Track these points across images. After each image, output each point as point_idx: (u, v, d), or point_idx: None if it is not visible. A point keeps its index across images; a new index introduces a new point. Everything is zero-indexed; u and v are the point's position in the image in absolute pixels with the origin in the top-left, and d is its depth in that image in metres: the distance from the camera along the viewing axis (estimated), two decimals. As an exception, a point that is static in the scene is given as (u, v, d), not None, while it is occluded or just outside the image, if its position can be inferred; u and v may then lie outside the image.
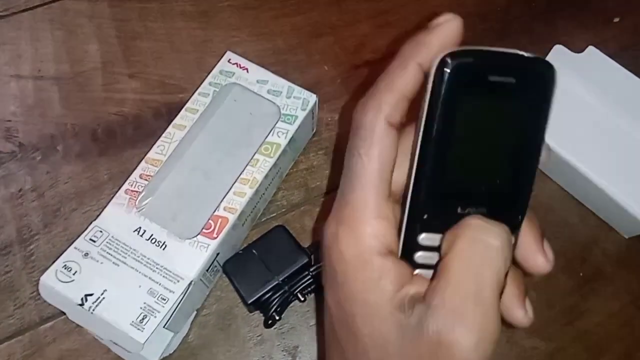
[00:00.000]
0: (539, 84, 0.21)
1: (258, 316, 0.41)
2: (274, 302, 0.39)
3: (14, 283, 0.41)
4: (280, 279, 0.38)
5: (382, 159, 0.22)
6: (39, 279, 0.36)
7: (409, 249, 0.22)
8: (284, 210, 0.44)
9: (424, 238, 0.21)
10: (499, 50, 0.20)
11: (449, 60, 0.20)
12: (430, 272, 0.22)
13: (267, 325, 0.40)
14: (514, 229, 0.22)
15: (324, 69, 0.50)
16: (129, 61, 0.49)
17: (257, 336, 0.40)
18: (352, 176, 0.23)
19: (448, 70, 0.20)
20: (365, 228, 0.22)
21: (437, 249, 0.21)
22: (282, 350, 0.40)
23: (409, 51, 0.23)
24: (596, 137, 0.44)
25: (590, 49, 0.46)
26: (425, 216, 0.21)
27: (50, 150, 0.46)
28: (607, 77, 0.45)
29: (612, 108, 0.45)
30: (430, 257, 0.22)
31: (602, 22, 0.53)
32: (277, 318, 0.39)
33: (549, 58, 0.48)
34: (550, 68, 0.21)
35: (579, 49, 0.47)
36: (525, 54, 0.20)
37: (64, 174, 0.45)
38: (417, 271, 0.23)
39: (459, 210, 0.21)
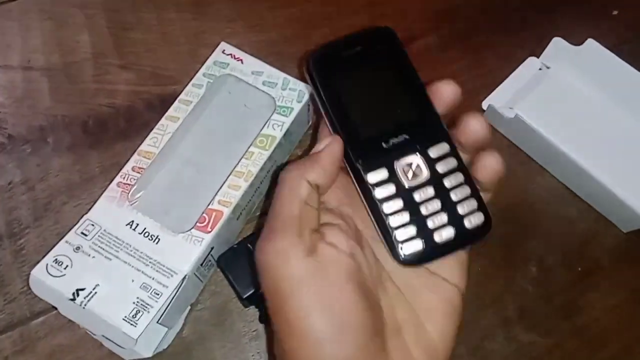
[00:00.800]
0: (382, 41, 0.28)
1: (253, 311, 0.40)
2: (270, 297, 0.38)
3: (4, 278, 0.40)
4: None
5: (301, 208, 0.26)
6: (29, 274, 0.35)
7: (367, 195, 0.26)
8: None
9: (370, 176, 0.26)
10: (344, 36, 0.28)
11: (309, 56, 0.28)
12: (398, 205, 0.27)
13: (262, 321, 0.39)
14: (443, 138, 0.27)
15: (320, 60, 0.49)
16: (120, 52, 0.48)
17: (253, 331, 0.40)
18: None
19: (310, 62, 0.27)
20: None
21: (387, 180, 0.26)
22: (278, 346, 0.40)
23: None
24: (594, 130, 0.43)
25: (590, 41, 0.45)
26: (360, 162, 0.26)
27: (40, 142, 0.45)
28: (606, 70, 0.45)
29: (611, 101, 0.44)
30: (388, 190, 0.26)
31: (601, 14, 0.52)
32: (273, 313, 0.39)
33: (548, 50, 0.48)
34: (386, 29, 0.29)
35: (578, 42, 0.46)
36: (362, 31, 0.28)
37: (55, 166, 0.44)
38: (384, 206, 0.27)
39: (384, 145, 0.26)
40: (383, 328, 0.26)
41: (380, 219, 0.26)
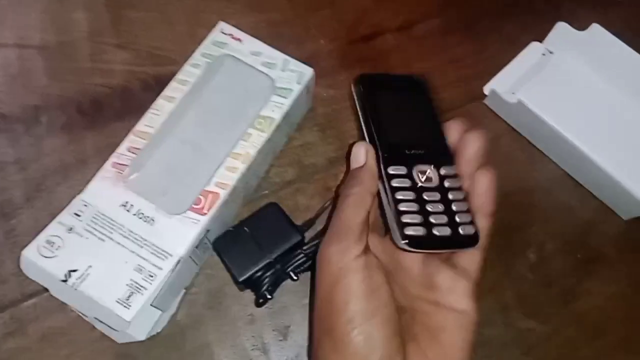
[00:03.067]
0: (417, 85, 0.35)
1: (249, 295, 0.39)
2: (266, 281, 0.38)
3: (-5, 259, 0.40)
4: (273, 257, 0.37)
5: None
6: (20, 255, 0.35)
7: (386, 184, 0.31)
8: (276, 187, 0.43)
9: (391, 169, 0.31)
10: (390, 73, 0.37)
11: (361, 76, 0.34)
12: (409, 195, 0.31)
13: (258, 304, 0.39)
14: (452, 163, 0.32)
15: (321, 43, 0.48)
16: (117, 31, 0.47)
17: (248, 315, 0.39)
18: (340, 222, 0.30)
19: (361, 81, 0.34)
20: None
21: (403, 175, 0.31)
22: (274, 330, 0.39)
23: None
24: (597, 116, 0.43)
25: (594, 26, 0.44)
26: (385, 155, 0.31)
27: (34, 121, 0.44)
28: (611, 55, 0.44)
29: (615, 87, 0.44)
30: (403, 181, 0.31)
31: (607, 0, 0.51)
32: (269, 297, 0.38)
33: (551, 35, 0.47)
34: (423, 78, 0.35)
35: (582, 27, 0.45)
36: (404, 75, 0.36)
37: (48, 146, 0.43)
38: (398, 194, 0.31)
39: (406, 151, 0.32)
40: (403, 332, 0.29)
41: (392, 204, 0.30)
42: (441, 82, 0.47)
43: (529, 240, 0.43)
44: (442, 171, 0.31)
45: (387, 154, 0.31)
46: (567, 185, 0.44)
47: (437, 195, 0.31)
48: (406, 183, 0.31)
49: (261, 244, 0.37)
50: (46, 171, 0.42)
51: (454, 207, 0.31)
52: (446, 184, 0.31)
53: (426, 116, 0.34)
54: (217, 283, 0.40)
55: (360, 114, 0.34)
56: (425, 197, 0.31)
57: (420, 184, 0.31)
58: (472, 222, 0.31)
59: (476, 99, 0.47)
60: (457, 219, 0.30)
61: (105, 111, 0.44)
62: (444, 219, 0.30)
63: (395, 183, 0.31)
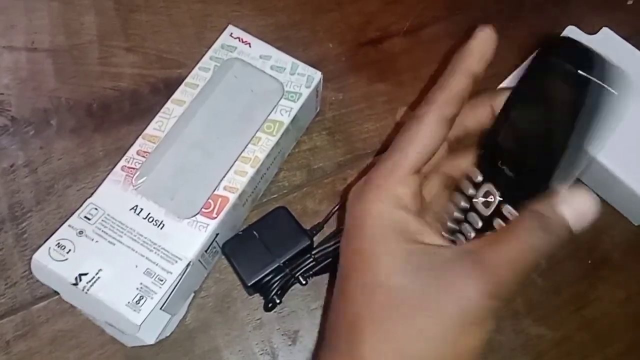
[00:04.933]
0: (608, 89, 0.24)
1: (258, 299, 0.39)
2: (275, 285, 0.38)
3: (5, 261, 0.40)
4: (281, 261, 0.37)
5: (432, 134, 0.25)
6: (31, 258, 0.35)
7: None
8: (285, 191, 0.43)
9: (472, 170, 0.27)
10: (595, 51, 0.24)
11: (555, 40, 0.25)
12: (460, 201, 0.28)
13: (267, 309, 0.39)
14: (517, 205, 0.25)
15: (329, 46, 0.48)
16: (126, 34, 0.47)
17: (257, 320, 0.39)
18: (401, 138, 0.26)
19: (551, 46, 0.24)
20: (389, 189, 0.25)
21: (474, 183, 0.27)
22: (282, 335, 0.39)
23: (457, 60, 0.26)
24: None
25: (604, 30, 0.44)
26: (481, 154, 0.27)
27: (44, 124, 0.44)
28: (621, 59, 0.43)
29: (626, 92, 0.43)
30: (466, 183, 0.27)
31: (616, 4, 0.51)
32: (278, 301, 0.38)
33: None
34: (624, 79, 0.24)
35: (592, 31, 0.45)
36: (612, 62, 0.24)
37: (58, 149, 0.43)
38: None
39: (499, 163, 0.26)
40: None
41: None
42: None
43: (539, 245, 0.42)
44: (505, 209, 0.26)
45: (482, 150, 0.27)
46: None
47: (477, 222, 0.27)
48: (467, 191, 0.27)
49: (270, 248, 0.37)
50: (56, 174, 0.42)
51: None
52: (494, 223, 0.27)
53: (561, 131, 0.24)
54: (225, 287, 0.40)
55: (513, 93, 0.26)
56: (467, 217, 0.27)
57: (476, 200, 0.27)
58: None
59: (485, 103, 0.47)
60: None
61: (115, 114, 0.45)
62: (472, 235, 0.27)
63: (464, 186, 0.28)
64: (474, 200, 0.27)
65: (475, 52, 0.26)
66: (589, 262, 0.42)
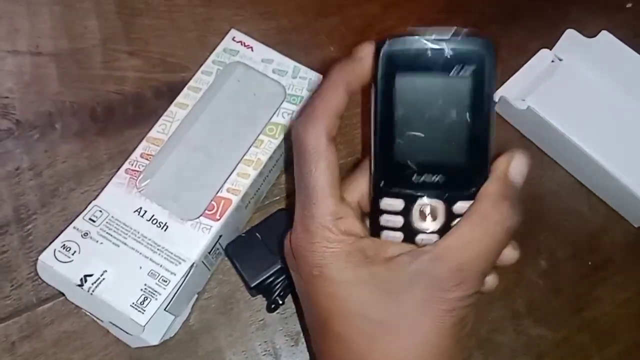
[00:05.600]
0: (473, 60, 0.21)
1: (260, 300, 0.40)
2: (277, 286, 0.38)
3: (10, 263, 0.40)
4: (284, 262, 0.37)
5: (331, 169, 0.25)
6: (36, 260, 0.35)
7: (374, 212, 0.25)
8: (288, 193, 0.43)
9: (384, 203, 0.24)
10: (434, 30, 0.22)
11: (386, 42, 0.22)
12: (396, 235, 0.25)
13: (270, 310, 0.39)
14: (471, 195, 0.23)
15: (330, 49, 0.49)
16: (129, 38, 0.48)
17: (260, 321, 0.40)
18: (309, 192, 0.26)
19: (384, 49, 0.22)
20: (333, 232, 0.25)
21: (398, 212, 0.24)
22: (285, 336, 0.39)
23: (337, 75, 0.26)
24: (607, 123, 0.43)
25: (603, 33, 0.45)
26: (382, 183, 0.24)
27: (48, 128, 0.44)
28: (620, 62, 0.44)
29: (624, 94, 0.44)
30: (393, 221, 0.24)
31: (615, 7, 0.52)
32: (280, 302, 0.39)
33: (561, 42, 0.47)
34: (486, 43, 0.22)
35: (591, 34, 0.45)
36: (459, 33, 0.21)
37: (62, 152, 0.44)
38: (383, 233, 0.25)
39: (414, 178, 0.23)
40: None
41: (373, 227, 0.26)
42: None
43: (540, 247, 0.43)
44: (456, 208, 0.24)
45: (384, 181, 0.24)
46: (578, 192, 0.44)
47: (433, 239, 0.24)
48: (397, 222, 0.24)
49: (272, 250, 0.38)
50: (60, 177, 0.43)
51: None
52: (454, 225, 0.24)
53: (467, 115, 0.22)
54: (228, 288, 0.40)
55: (370, 102, 0.24)
56: (417, 240, 0.25)
57: (416, 225, 0.24)
58: None
59: (485, 106, 0.47)
60: None
61: (118, 117, 0.45)
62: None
63: (383, 221, 0.25)
64: (416, 226, 0.24)
65: (358, 70, 0.26)
66: (589, 263, 0.42)
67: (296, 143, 0.27)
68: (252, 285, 0.37)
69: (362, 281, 0.24)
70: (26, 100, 0.45)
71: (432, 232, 0.24)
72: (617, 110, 0.44)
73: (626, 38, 0.45)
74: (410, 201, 0.24)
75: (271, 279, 0.38)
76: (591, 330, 0.40)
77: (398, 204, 0.24)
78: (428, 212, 0.24)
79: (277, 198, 0.43)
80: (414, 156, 0.23)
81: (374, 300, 0.24)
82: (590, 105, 0.44)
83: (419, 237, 0.25)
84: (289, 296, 0.40)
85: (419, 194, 0.24)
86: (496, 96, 0.46)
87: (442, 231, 0.24)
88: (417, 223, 0.24)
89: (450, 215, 0.24)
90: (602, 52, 0.45)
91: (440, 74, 0.21)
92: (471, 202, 0.23)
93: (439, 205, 0.24)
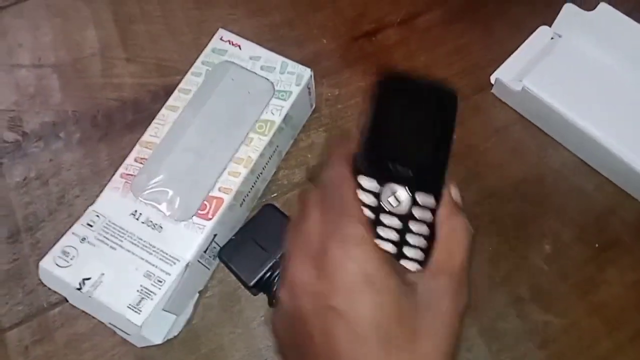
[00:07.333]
0: (440, 103, 0.29)
1: (262, 297, 0.40)
2: (276, 281, 0.38)
3: (22, 270, 0.42)
4: (277, 256, 0.38)
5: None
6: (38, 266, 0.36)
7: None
8: (285, 189, 0.44)
9: (361, 178, 0.28)
10: (419, 79, 0.29)
11: (383, 76, 0.29)
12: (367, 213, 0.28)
13: (271, 305, 0.39)
14: (436, 194, 0.28)
15: (323, 42, 0.49)
16: (126, 45, 0.49)
17: (261, 317, 0.40)
18: (343, 208, 0.27)
19: (381, 81, 0.29)
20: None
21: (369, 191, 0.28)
22: (285, 330, 0.40)
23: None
24: (609, 99, 0.41)
25: (602, 5, 0.43)
26: (365, 164, 0.28)
27: (53, 138, 0.46)
28: (621, 35, 0.42)
29: (626, 68, 0.42)
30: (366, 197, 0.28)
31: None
32: (280, 297, 0.39)
33: (560, 17, 0.45)
34: (450, 91, 0.28)
35: (590, 8, 0.44)
36: (438, 84, 0.29)
37: (66, 161, 0.45)
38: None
39: (389, 164, 0.28)
40: None
41: None
42: (447, 73, 0.47)
43: (544, 231, 0.42)
44: (418, 197, 0.27)
45: (365, 161, 0.28)
46: (582, 172, 0.43)
47: (395, 222, 0.27)
48: (369, 199, 0.27)
49: (264, 246, 0.38)
50: (65, 185, 0.44)
51: (409, 239, 0.27)
52: (415, 212, 0.27)
53: (435, 136, 0.28)
54: (230, 286, 0.41)
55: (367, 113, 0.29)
56: (381, 220, 0.27)
57: (383, 205, 0.27)
58: (421, 263, 0.27)
59: (484, 89, 0.46)
60: (406, 252, 0.27)
61: (118, 124, 0.46)
62: (392, 248, 0.27)
63: (361, 195, 0.28)
64: (383, 206, 0.27)
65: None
66: (597, 245, 0.41)
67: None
68: (251, 284, 0.38)
69: (403, 292, 0.25)
70: (31, 112, 0.47)
71: (395, 215, 0.28)
72: (620, 85, 0.42)
73: (627, 11, 0.43)
74: (382, 181, 0.28)
75: (268, 275, 0.38)
76: (600, 314, 0.39)
77: (372, 183, 0.28)
78: (395, 195, 0.28)
79: (275, 195, 0.43)
80: (393, 152, 0.29)
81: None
82: (592, 81, 0.42)
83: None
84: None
85: (390, 178, 0.28)
86: (493, 78, 0.45)
87: (404, 218, 0.28)
88: (386, 204, 0.28)
89: (413, 202, 0.28)
90: (602, 24, 0.43)
91: (416, 105, 0.29)
92: (431, 196, 0.28)
93: (404, 191, 0.28)
